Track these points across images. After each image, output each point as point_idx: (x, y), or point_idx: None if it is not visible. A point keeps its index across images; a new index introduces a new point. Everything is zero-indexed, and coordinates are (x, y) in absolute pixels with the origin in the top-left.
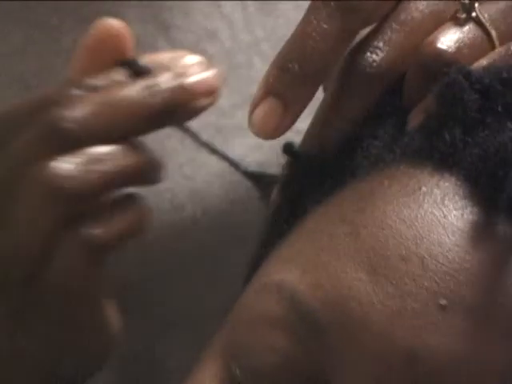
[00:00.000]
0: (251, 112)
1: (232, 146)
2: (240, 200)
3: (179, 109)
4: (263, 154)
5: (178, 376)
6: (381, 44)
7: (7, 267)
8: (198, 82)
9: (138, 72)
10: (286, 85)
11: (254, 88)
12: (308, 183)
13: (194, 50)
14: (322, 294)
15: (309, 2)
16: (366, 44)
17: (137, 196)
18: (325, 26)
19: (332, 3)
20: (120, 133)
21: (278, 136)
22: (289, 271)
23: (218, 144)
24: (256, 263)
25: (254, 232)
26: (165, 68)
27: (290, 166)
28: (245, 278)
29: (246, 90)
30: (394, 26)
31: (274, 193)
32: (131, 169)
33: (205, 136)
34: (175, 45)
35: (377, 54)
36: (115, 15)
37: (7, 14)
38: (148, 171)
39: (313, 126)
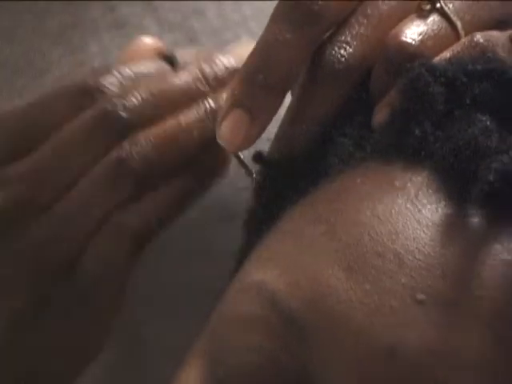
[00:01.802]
0: (219, 124)
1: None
2: (227, 175)
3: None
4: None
5: (168, 357)
6: (348, 38)
7: (50, 252)
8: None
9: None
10: (251, 96)
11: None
12: (281, 187)
13: (181, 28)
14: (300, 293)
15: None
16: (333, 39)
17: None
18: (288, 35)
19: (293, 12)
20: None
21: (248, 147)
22: (268, 271)
23: None
24: (237, 267)
25: (241, 208)
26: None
27: (262, 172)
28: (228, 279)
29: None
30: (361, 19)
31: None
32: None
33: None
34: (163, 24)
35: (345, 49)
36: None
37: None
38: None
39: (282, 127)
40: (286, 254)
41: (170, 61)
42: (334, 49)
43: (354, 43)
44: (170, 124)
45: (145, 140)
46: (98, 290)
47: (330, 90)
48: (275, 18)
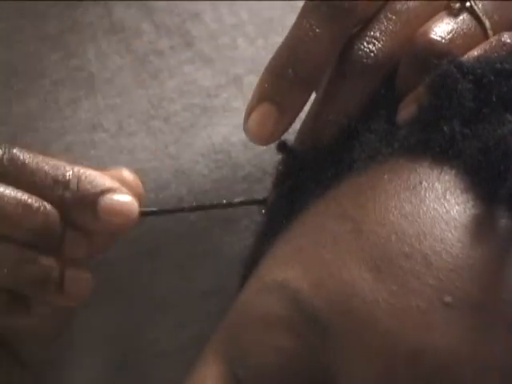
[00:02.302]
0: (247, 117)
1: (217, 126)
2: (224, 179)
3: None
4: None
5: (167, 358)
6: (377, 34)
7: None
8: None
9: None
10: (280, 90)
11: (238, 69)
12: (304, 179)
13: (178, 32)
14: (325, 292)
15: None
16: (362, 34)
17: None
18: (317, 30)
19: (324, 6)
20: None
21: (274, 141)
22: (290, 270)
23: (203, 124)
24: (252, 259)
25: (239, 211)
26: None
27: (285, 162)
28: (241, 275)
29: (230, 71)
30: (390, 15)
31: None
32: None
33: (189, 116)
34: (159, 28)
35: (374, 44)
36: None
37: None
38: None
39: (308, 119)
40: (310, 252)
41: None
42: (363, 43)
43: (383, 38)
44: None
45: None
46: None
47: (359, 84)
48: (305, 12)
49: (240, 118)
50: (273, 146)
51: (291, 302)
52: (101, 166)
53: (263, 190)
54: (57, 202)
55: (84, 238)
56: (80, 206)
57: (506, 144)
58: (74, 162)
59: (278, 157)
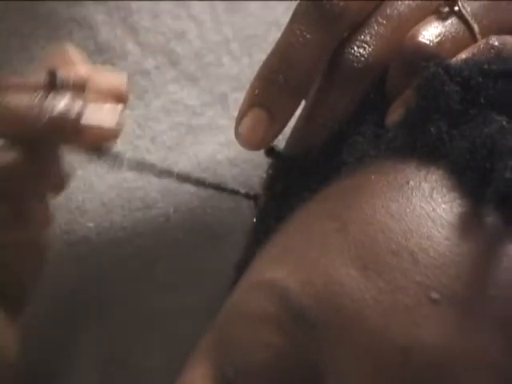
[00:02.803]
0: (238, 123)
1: (203, 145)
2: (211, 197)
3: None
4: (234, 151)
5: (156, 377)
6: (368, 38)
7: None
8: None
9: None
10: (271, 96)
11: (223, 87)
12: (293, 182)
13: (163, 51)
14: (313, 290)
15: (276, 2)
16: (352, 39)
17: None
18: (308, 35)
19: (314, 12)
20: None
21: (265, 147)
22: (279, 269)
23: (189, 143)
24: (244, 262)
25: (226, 229)
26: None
27: (275, 166)
28: (233, 278)
29: (215, 89)
30: (381, 19)
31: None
32: None
33: (175, 135)
34: (144, 48)
35: (364, 49)
36: (84, 20)
37: None
38: None
39: (298, 124)
40: (298, 251)
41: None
42: (353, 48)
43: (374, 43)
44: None
45: None
46: None
47: (349, 88)
48: (296, 17)
49: (226, 136)
50: (259, 162)
51: (279, 300)
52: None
53: (249, 206)
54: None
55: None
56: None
57: (492, 142)
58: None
59: (264, 173)
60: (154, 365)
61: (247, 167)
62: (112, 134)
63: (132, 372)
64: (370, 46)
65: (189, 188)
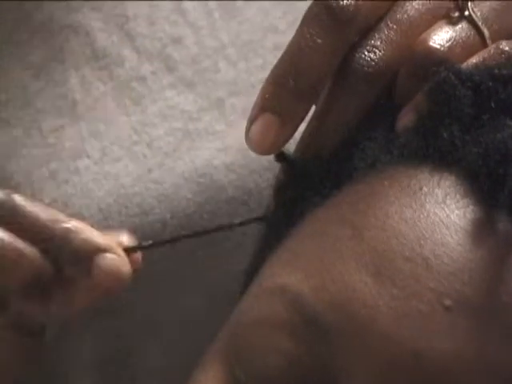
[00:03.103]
0: (248, 128)
1: (199, 150)
2: (208, 203)
3: None
4: (230, 156)
5: (155, 378)
6: (378, 43)
7: None
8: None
9: None
10: (282, 101)
11: (220, 92)
12: (304, 187)
13: (159, 57)
14: (326, 296)
15: (272, 5)
16: (363, 43)
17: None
18: (319, 40)
19: (325, 16)
20: None
21: (276, 151)
22: (292, 274)
23: (186, 148)
24: (254, 268)
25: (223, 234)
26: None
27: (285, 171)
28: (243, 282)
29: (212, 94)
30: (391, 24)
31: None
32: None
33: (172, 141)
34: (141, 54)
35: (374, 53)
36: (81, 27)
37: None
38: None
39: (309, 129)
40: (310, 256)
41: None
42: (363, 52)
43: (384, 47)
44: None
45: None
46: None
47: (359, 93)
48: (306, 21)
49: (222, 141)
50: (256, 167)
51: (292, 305)
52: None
53: (247, 212)
54: (51, 255)
55: (71, 294)
56: (74, 261)
57: (505, 148)
58: (58, 188)
59: (262, 178)
60: (153, 366)
61: (244, 173)
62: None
63: (132, 373)
64: (380, 51)
65: (185, 194)
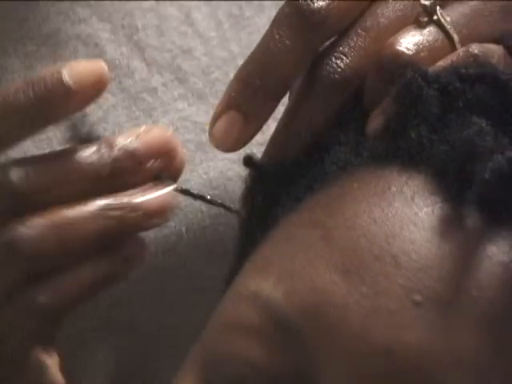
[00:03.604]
0: (212, 125)
1: (213, 162)
2: (222, 215)
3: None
4: (245, 168)
5: None
6: (346, 49)
7: None
8: (148, 145)
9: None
10: (246, 98)
11: None
12: (275, 192)
13: (170, 68)
14: (297, 300)
15: None
16: (331, 49)
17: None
18: (287, 41)
19: (295, 18)
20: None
21: (239, 149)
22: (264, 279)
23: (199, 160)
24: (231, 275)
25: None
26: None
27: (252, 177)
28: (223, 291)
29: None
30: (360, 31)
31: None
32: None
33: (184, 152)
34: (151, 65)
35: (341, 60)
36: (89, 39)
37: None
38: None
39: (276, 133)
40: (282, 261)
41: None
42: (331, 59)
43: (352, 54)
44: (65, 215)
45: (38, 225)
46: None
47: (326, 99)
48: (276, 22)
49: (236, 152)
50: None
51: (264, 310)
52: None
53: None
54: None
55: None
56: None
57: (471, 145)
58: None
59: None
60: (167, 380)
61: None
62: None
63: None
64: (347, 58)
65: (200, 206)
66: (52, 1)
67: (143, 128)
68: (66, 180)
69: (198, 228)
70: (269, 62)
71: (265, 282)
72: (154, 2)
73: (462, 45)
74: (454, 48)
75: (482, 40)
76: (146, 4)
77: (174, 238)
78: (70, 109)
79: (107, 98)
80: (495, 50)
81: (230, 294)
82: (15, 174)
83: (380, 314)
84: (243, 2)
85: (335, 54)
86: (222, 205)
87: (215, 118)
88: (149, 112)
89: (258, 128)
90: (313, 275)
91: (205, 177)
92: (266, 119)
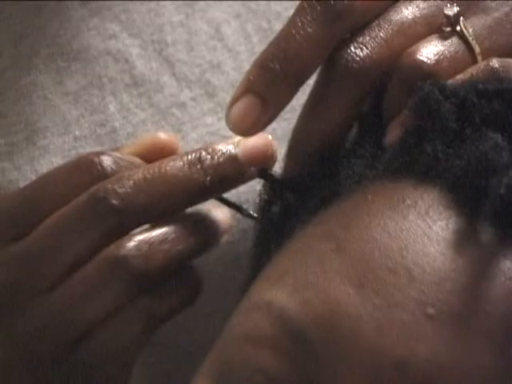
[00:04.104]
0: (229, 108)
1: None
2: (253, 229)
3: (227, 182)
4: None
5: None
6: (367, 40)
7: (51, 335)
8: (249, 152)
9: None
10: (265, 83)
11: None
12: (290, 204)
13: (199, 83)
14: (311, 311)
15: None
16: (351, 40)
17: (192, 268)
18: (309, 29)
19: (318, 7)
20: (163, 207)
21: (254, 133)
22: (278, 290)
23: None
24: (246, 286)
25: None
26: None
27: (268, 190)
28: (237, 301)
29: None
30: (383, 23)
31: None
32: (192, 245)
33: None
34: (180, 80)
35: (361, 50)
36: (119, 55)
37: (14, 60)
38: (205, 243)
39: (297, 125)
40: (296, 273)
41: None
42: (350, 48)
43: (372, 45)
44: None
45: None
46: (101, 369)
47: (344, 88)
48: (300, 10)
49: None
50: None
51: (277, 320)
52: None
53: None
54: None
55: None
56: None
57: (486, 160)
58: None
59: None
60: None
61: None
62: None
63: None
64: (367, 48)
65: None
66: (82, 17)
67: (240, 138)
68: (168, 196)
69: (227, 242)
70: (290, 49)
71: (279, 293)
72: (183, 17)
73: (483, 57)
74: (474, 60)
75: (502, 53)
76: (175, 19)
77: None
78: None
79: (136, 114)
80: None
81: (244, 304)
82: (117, 196)
83: (393, 327)
84: (272, 16)
85: (355, 43)
86: (252, 217)
87: (232, 102)
88: (178, 127)
89: (275, 114)
90: (327, 287)
91: (234, 191)
92: (284, 105)
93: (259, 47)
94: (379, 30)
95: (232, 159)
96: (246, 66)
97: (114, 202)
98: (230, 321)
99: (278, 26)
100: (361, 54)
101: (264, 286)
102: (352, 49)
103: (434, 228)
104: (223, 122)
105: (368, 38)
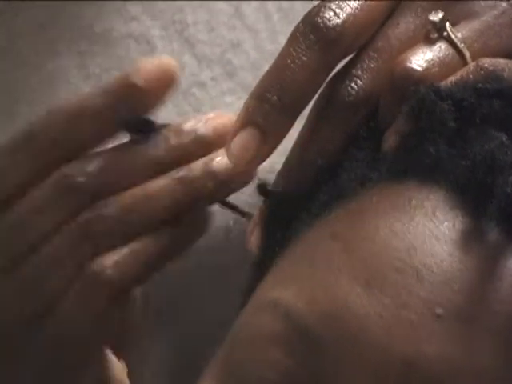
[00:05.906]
0: (229, 141)
1: None
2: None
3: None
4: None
5: None
6: (359, 72)
7: (19, 307)
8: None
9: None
10: (264, 115)
11: None
12: (294, 208)
13: (219, 63)
14: (318, 309)
15: None
16: (344, 73)
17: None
18: (304, 58)
19: (311, 36)
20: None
21: (256, 166)
22: (285, 289)
23: None
24: (251, 287)
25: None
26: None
27: (268, 203)
28: (241, 303)
29: None
30: (372, 53)
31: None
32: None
33: None
34: (201, 60)
35: (355, 83)
36: (142, 37)
37: (36, 46)
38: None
39: (291, 156)
40: (303, 272)
41: (148, 124)
42: (344, 82)
43: (365, 77)
44: (134, 192)
45: (106, 208)
46: (72, 336)
47: (340, 121)
48: (293, 39)
49: (284, 146)
50: None
51: (285, 318)
52: None
53: None
54: None
55: None
56: None
57: (492, 159)
58: None
59: None
60: None
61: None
62: None
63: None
64: (360, 80)
65: (246, 198)
66: (104, 0)
67: (211, 115)
68: (133, 172)
69: (244, 220)
70: (285, 79)
71: (286, 292)
72: None
73: (474, 60)
74: (465, 63)
75: (493, 55)
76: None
77: (222, 231)
78: (144, 107)
79: None
80: (506, 64)
81: (251, 304)
82: (82, 172)
83: (401, 326)
84: None
85: (348, 76)
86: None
87: (233, 134)
88: (198, 107)
89: (276, 144)
90: (334, 285)
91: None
92: (283, 135)
93: (279, 26)
94: (369, 61)
95: (199, 139)
96: (267, 46)
97: (81, 179)
98: (236, 322)
99: (298, 6)
100: (355, 87)
101: (270, 286)
102: (346, 82)
103: (441, 228)
104: (242, 102)
105: (360, 70)
